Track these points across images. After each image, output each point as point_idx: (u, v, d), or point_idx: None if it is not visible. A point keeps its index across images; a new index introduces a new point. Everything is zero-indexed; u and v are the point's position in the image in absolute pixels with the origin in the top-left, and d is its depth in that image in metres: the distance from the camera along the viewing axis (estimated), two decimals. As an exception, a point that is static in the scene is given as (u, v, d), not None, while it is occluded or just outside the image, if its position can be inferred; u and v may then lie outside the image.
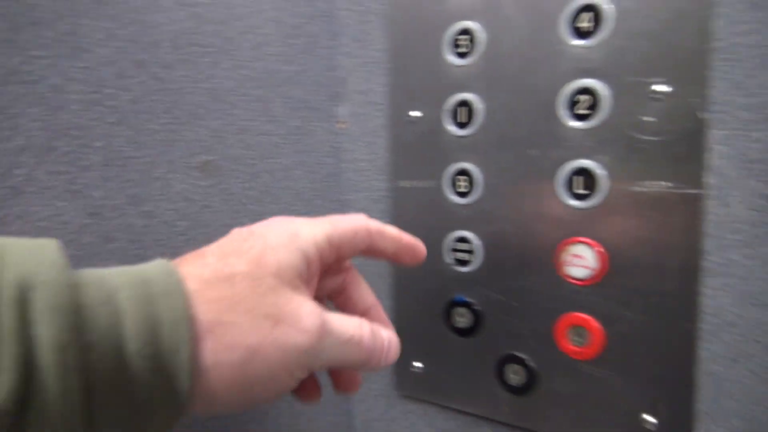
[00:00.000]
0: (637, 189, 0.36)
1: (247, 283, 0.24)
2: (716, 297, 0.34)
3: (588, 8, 0.36)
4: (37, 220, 0.31)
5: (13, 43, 0.30)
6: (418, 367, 0.48)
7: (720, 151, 0.33)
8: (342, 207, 0.51)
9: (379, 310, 0.33)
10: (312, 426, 0.49)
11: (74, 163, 0.33)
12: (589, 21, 0.36)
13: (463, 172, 0.43)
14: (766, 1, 0.31)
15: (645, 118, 0.35)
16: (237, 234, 0.27)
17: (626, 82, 0.36)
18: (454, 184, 0.43)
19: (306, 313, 0.25)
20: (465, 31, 0.42)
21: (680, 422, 0.36)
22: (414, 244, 0.33)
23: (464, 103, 0.42)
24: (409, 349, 0.47)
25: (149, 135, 0.36)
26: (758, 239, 0.33)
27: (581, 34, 0.37)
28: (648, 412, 0.37)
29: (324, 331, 0.26)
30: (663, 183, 0.35)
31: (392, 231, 0.32)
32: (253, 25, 0.43)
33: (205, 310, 0.23)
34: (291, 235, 0.27)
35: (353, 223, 0.30)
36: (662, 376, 0.36)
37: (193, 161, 0.39)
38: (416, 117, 0.45)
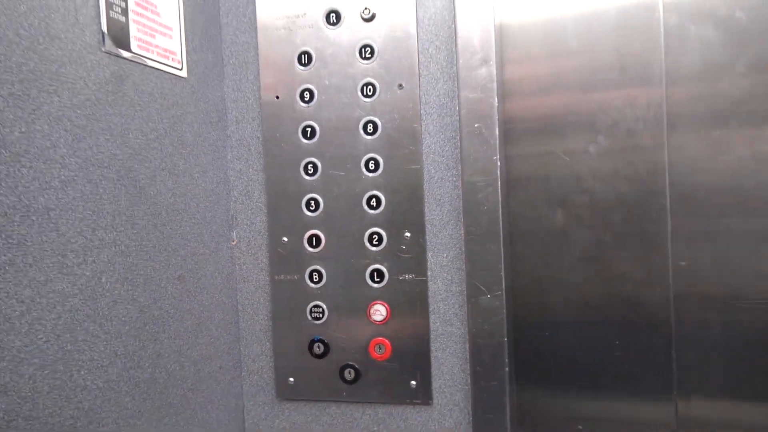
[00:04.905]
0: (401, 278, 0.79)
1: None
2: (435, 323, 0.79)
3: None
4: None
5: None
6: (291, 381, 0.84)
7: (430, 259, 0.78)
8: (234, 292, 0.84)
9: None
10: (208, 430, 0.80)
11: None
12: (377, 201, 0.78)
13: (316, 270, 0.81)
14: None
15: (402, 250, 0.78)
16: None
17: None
18: (310, 277, 0.81)
19: None
20: (312, 199, 0.80)
21: (426, 381, 0.79)
22: None
23: (315, 235, 0.81)
24: (285, 371, 0.83)
25: None
26: (450, 294, 0.78)
27: (372, 207, 0.79)
28: (413, 380, 0.80)
29: None
30: (411, 275, 0.79)
31: None
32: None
33: None
34: None
35: None
36: (417, 362, 0.79)
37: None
38: (285, 240, 0.82)
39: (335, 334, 0.81)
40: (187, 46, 0.73)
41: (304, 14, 0.79)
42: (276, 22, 0.80)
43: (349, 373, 0.81)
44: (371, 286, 0.80)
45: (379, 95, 0.78)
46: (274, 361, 0.84)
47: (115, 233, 0.60)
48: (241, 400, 0.85)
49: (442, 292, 0.78)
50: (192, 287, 0.74)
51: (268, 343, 0.84)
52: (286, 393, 0.84)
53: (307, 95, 0.79)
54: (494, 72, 0.73)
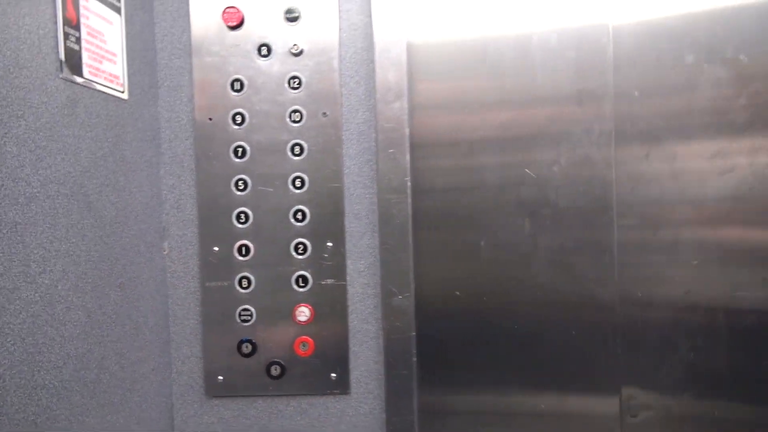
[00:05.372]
0: (323, 282, 0.89)
1: None
2: (353, 321, 0.90)
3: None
4: None
5: None
6: (220, 380, 0.91)
7: (349, 266, 0.89)
8: (166, 299, 0.90)
9: None
10: (139, 428, 0.86)
11: None
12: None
13: (245, 277, 0.89)
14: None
15: (323, 263, 0.89)
16: None
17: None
18: (240, 283, 0.89)
19: None
20: (243, 212, 0.89)
21: (344, 374, 0.90)
22: None
23: (244, 245, 0.89)
24: (215, 370, 0.90)
25: None
26: (366, 296, 0.90)
27: (298, 220, 0.89)
28: (333, 373, 0.90)
29: None
30: (332, 280, 0.89)
31: None
32: (135, 212, 0.80)
33: None
34: None
35: None
36: (337, 357, 0.90)
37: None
38: (216, 250, 0.89)
39: (262, 334, 0.90)
40: (128, 70, 0.79)
41: (238, 45, 0.87)
42: (211, 49, 0.87)
43: (275, 369, 0.90)
44: (296, 291, 0.89)
45: (305, 121, 0.88)
46: (203, 362, 0.91)
47: (68, 244, 0.65)
48: (170, 399, 0.91)
49: (359, 295, 0.90)
50: (130, 294, 0.79)
51: (198, 345, 0.91)
52: (215, 391, 0.91)
53: (239, 118, 0.88)
54: (406, 106, 0.86)
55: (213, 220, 0.89)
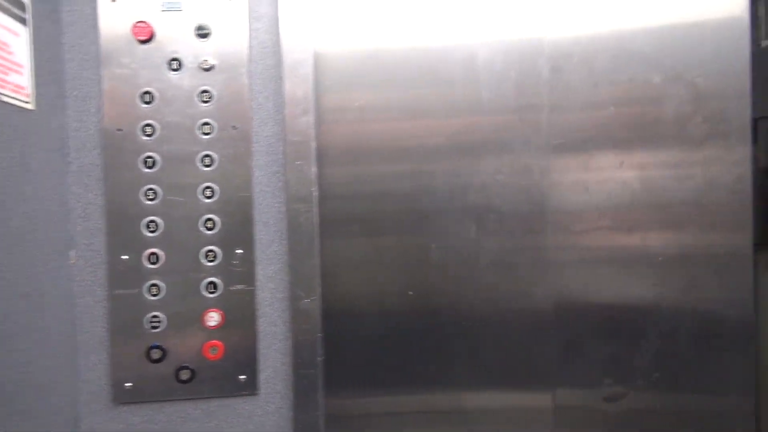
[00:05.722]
0: (233, 288, 0.93)
1: None
2: (262, 325, 0.94)
3: (211, 219, 0.92)
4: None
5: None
6: (128, 386, 0.92)
7: (258, 272, 0.94)
8: (73, 307, 0.91)
9: None
10: None
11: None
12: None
13: (154, 284, 0.91)
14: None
15: (234, 265, 0.93)
16: None
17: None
18: (149, 291, 0.91)
19: None
20: (152, 221, 0.91)
21: (253, 375, 0.94)
22: None
23: (154, 253, 0.91)
24: (123, 377, 0.91)
25: None
26: (275, 300, 0.94)
27: (208, 228, 0.92)
28: (242, 375, 0.94)
29: None
30: (242, 286, 0.93)
31: None
32: (41, 221, 0.81)
33: None
34: None
35: None
36: (246, 360, 0.94)
37: (26, 299, 0.76)
38: (125, 258, 0.91)
39: (172, 340, 0.92)
40: (35, 80, 0.80)
41: (148, 58, 0.90)
42: (121, 61, 0.89)
43: (185, 373, 0.93)
44: (206, 297, 0.93)
45: (215, 134, 0.92)
46: (111, 369, 0.92)
47: (-29, 253, 0.66)
48: (75, 408, 0.91)
49: (268, 299, 0.94)
50: (36, 302, 0.80)
51: (105, 353, 0.92)
52: (123, 397, 0.92)
53: (149, 129, 0.90)
54: (312, 120, 0.92)
55: (122, 229, 0.91)
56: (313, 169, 0.92)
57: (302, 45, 0.91)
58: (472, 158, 0.98)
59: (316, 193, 0.92)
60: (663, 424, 1.03)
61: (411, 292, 0.99)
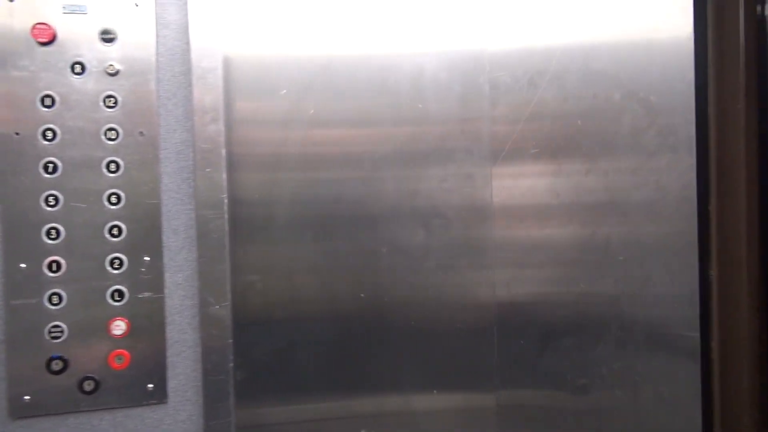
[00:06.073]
0: (140, 296, 0.92)
1: None
2: (171, 332, 0.94)
3: (117, 226, 0.90)
4: None
5: None
6: (26, 399, 0.89)
7: (167, 279, 0.93)
8: (-36, 318, 0.86)
9: None
10: None
11: None
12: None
13: (56, 293, 0.89)
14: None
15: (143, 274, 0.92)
16: None
17: (134, 255, 0.92)
18: (50, 300, 0.89)
19: None
20: (53, 228, 0.88)
21: (162, 383, 0.93)
22: None
23: (55, 261, 0.89)
24: (20, 390, 0.88)
25: None
26: (184, 308, 0.94)
27: (113, 236, 0.90)
28: (150, 383, 0.93)
29: None
30: (150, 293, 0.92)
31: None
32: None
33: None
34: None
35: None
36: (154, 368, 0.93)
37: None
38: (23, 267, 0.88)
39: (75, 350, 0.90)
40: None
41: (49, 60, 0.87)
42: (18, 63, 0.86)
43: (88, 384, 0.90)
44: (112, 305, 0.91)
45: (121, 139, 0.90)
46: (7, 382, 0.88)
47: None
48: None
49: (177, 307, 0.94)
50: None
51: (1, 366, 0.88)
52: (20, 411, 0.89)
53: (49, 134, 0.88)
54: (222, 128, 0.92)
55: (19, 237, 0.87)
56: (224, 176, 0.93)
57: (212, 53, 0.92)
58: (372, 164, 1.02)
59: (226, 200, 0.93)
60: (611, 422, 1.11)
61: (321, 295, 1.01)
